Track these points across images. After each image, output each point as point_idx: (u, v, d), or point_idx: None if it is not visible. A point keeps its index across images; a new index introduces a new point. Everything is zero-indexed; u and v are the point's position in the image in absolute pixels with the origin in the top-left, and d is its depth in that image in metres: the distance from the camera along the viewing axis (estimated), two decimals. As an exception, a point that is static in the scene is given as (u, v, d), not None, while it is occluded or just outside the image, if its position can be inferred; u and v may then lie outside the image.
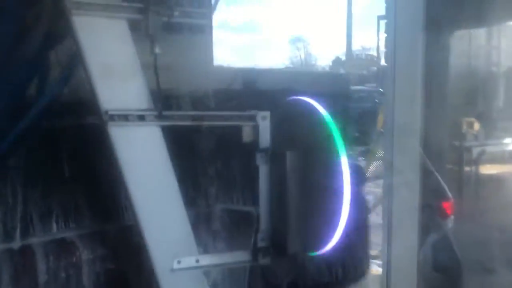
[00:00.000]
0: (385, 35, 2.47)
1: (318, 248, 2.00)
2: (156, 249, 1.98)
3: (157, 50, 1.88)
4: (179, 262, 2.00)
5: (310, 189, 2.01)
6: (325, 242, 1.95)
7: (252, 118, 2.07)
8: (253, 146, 2.10)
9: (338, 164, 1.89)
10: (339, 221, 1.88)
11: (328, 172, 1.94)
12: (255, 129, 2.08)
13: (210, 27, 2.47)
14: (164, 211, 2.03)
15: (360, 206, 2.86)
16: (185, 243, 2.06)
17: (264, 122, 2.08)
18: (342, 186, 1.88)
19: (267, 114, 2.08)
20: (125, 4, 1.86)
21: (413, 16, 2.34)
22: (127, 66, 1.91)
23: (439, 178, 3.54)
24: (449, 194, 3.66)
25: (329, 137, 1.93)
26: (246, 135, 2.09)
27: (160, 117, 1.93)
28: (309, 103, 2.03)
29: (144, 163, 1.97)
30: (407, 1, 2.34)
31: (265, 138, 2.08)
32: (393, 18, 2.35)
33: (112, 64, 1.88)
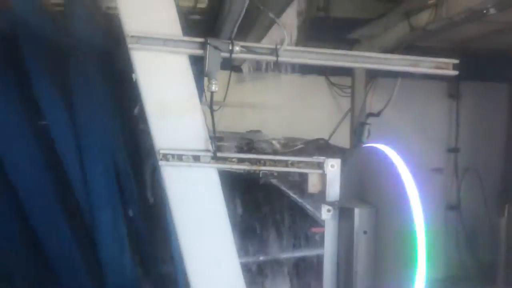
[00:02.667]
0: None
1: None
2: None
3: (214, 87, 1.75)
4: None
5: (381, 251, 1.71)
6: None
7: (320, 166, 1.84)
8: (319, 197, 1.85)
9: (414, 225, 1.56)
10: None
11: (402, 234, 1.62)
12: (323, 178, 1.84)
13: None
14: (215, 261, 1.86)
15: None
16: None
17: (333, 171, 1.83)
18: (417, 251, 1.54)
19: (337, 161, 1.83)
20: (186, 38, 1.77)
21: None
22: (185, 103, 1.81)
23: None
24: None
25: (405, 193, 1.62)
26: (312, 185, 1.85)
27: (215, 158, 1.78)
28: (384, 152, 1.74)
29: (196, 207, 1.82)
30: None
31: (333, 190, 1.82)
32: None
33: (169, 101, 1.79)
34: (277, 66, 2.05)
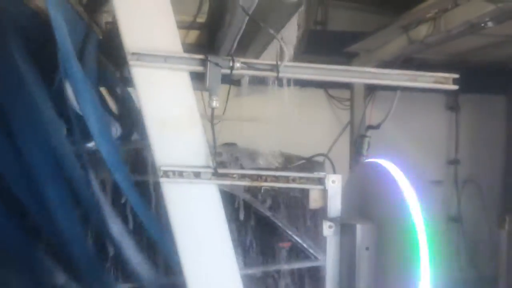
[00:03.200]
0: None
1: None
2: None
3: (215, 103, 1.75)
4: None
5: (383, 267, 1.69)
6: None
7: (321, 181, 1.83)
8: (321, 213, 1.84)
9: (417, 243, 1.56)
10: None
11: (405, 250, 1.61)
12: (324, 194, 1.83)
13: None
14: (217, 276, 1.84)
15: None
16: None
17: (335, 187, 1.82)
18: (420, 271, 1.53)
19: (338, 177, 1.83)
20: (186, 55, 1.77)
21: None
22: (186, 120, 1.80)
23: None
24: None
25: (408, 210, 1.61)
26: (313, 201, 1.84)
27: (216, 174, 1.78)
28: (385, 168, 1.74)
29: (198, 224, 1.81)
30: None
31: (334, 206, 1.81)
32: None
33: (170, 118, 1.79)
34: (278, 81, 2.05)
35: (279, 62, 1.79)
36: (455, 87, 1.89)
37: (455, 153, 6.25)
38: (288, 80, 5.24)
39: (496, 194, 6.19)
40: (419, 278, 1.52)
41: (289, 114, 5.96)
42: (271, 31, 1.90)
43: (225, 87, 4.60)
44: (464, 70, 2.36)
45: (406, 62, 4.94)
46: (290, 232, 2.83)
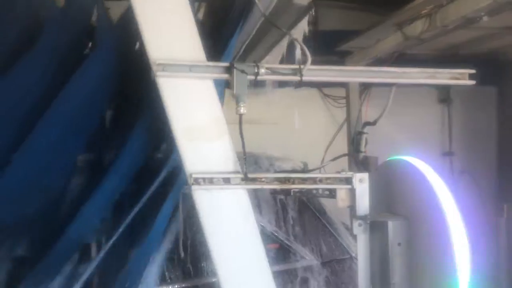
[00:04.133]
0: None
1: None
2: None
3: (242, 110, 1.77)
4: None
5: (416, 264, 1.73)
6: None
7: (348, 181, 1.86)
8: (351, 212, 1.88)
9: (450, 236, 1.60)
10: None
11: (437, 246, 1.65)
12: (352, 193, 1.86)
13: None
14: (251, 281, 1.86)
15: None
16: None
17: (362, 186, 1.86)
18: (453, 263, 1.57)
19: (365, 176, 1.86)
20: (211, 63, 1.80)
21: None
22: (213, 127, 1.82)
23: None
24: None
25: (438, 203, 1.65)
26: (341, 200, 1.88)
27: (246, 179, 1.80)
28: (413, 165, 1.78)
29: (229, 229, 1.83)
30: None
31: (363, 204, 1.85)
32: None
33: (198, 126, 1.81)
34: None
35: (302, 66, 1.82)
36: (472, 82, 1.94)
37: (449, 145, 6.35)
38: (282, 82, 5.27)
39: (491, 184, 6.30)
40: (455, 271, 1.56)
41: (286, 114, 6.02)
42: (291, 35, 1.93)
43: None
44: (455, 63, 2.42)
45: (397, 58, 5.02)
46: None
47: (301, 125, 5.90)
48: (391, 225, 1.74)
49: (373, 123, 5.36)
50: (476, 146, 6.33)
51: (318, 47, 5.25)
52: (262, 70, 1.77)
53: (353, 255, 3.17)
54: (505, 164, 6.29)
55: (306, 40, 4.92)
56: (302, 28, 2.69)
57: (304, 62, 1.84)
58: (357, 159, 5.56)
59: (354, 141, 5.49)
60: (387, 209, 1.90)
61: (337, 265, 3.15)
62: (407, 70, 1.90)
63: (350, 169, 2.03)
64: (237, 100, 1.77)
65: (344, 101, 5.85)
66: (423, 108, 6.29)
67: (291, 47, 3.25)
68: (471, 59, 5.69)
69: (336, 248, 3.23)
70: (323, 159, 5.37)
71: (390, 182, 1.91)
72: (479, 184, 6.14)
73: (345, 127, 5.80)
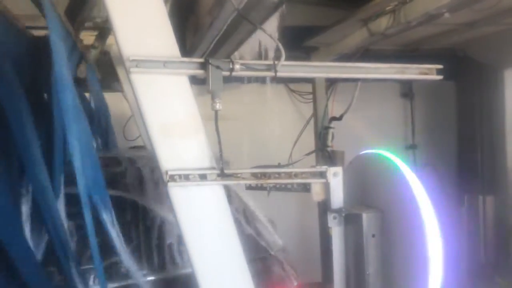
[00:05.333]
0: None
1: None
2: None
3: (218, 106, 1.77)
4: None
5: (390, 255, 1.78)
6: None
7: (323, 175, 1.89)
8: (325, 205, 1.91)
9: (423, 226, 1.65)
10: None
11: (412, 236, 1.70)
12: (326, 187, 1.89)
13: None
14: (227, 276, 1.87)
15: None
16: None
17: (336, 179, 1.89)
18: (427, 252, 1.63)
19: (339, 170, 1.89)
20: (186, 59, 1.78)
21: None
22: (188, 123, 1.81)
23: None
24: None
25: (411, 194, 1.70)
26: (316, 194, 1.90)
27: (222, 175, 1.80)
28: (385, 157, 1.83)
29: (206, 225, 1.83)
30: None
31: (337, 197, 1.88)
32: None
33: (173, 122, 1.79)
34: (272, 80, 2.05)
35: (276, 62, 1.83)
36: (440, 77, 2.00)
37: (412, 139, 6.52)
38: (249, 77, 5.28)
39: (452, 176, 6.51)
40: (428, 260, 1.62)
41: (252, 110, 6.02)
42: (267, 32, 1.94)
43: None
44: (416, 58, 2.49)
45: (363, 54, 5.11)
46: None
47: (267, 121, 5.94)
48: (365, 217, 1.79)
49: (339, 118, 5.47)
50: (437, 139, 6.53)
51: (284, 42, 5.29)
52: (237, 66, 1.77)
53: (272, 253, 3.07)
54: (465, 157, 6.51)
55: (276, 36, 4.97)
56: (274, 24, 2.69)
57: (278, 58, 1.86)
58: (325, 153, 5.64)
59: (321, 136, 5.58)
60: (361, 201, 1.94)
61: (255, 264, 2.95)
62: (378, 66, 1.94)
63: (318, 163, 2.06)
64: (213, 96, 1.77)
65: (310, 96, 5.92)
66: (387, 103, 6.44)
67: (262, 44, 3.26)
68: (432, 54, 5.86)
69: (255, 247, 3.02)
70: (291, 154, 5.44)
71: (364, 175, 1.95)
72: (441, 176, 6.34)
73: (312, 122, 5.87)
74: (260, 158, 3.59)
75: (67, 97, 1.93)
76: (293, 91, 6.17)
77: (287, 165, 1.97)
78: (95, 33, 3.69)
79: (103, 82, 4.38)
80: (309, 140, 5.82)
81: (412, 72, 2.01)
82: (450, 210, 6.31)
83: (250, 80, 5.31)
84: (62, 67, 1.94)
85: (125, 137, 5.11)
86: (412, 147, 6.48)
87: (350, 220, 1.86)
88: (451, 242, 5.57)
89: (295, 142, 5.59)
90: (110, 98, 4.41)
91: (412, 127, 6.51)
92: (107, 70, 4.24)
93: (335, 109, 5.69)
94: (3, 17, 2.07)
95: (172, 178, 1.76)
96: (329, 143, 5.34)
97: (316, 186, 1.90)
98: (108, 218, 2.07)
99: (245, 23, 2.48)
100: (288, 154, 5.30)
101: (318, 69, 1.91)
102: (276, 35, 2.67)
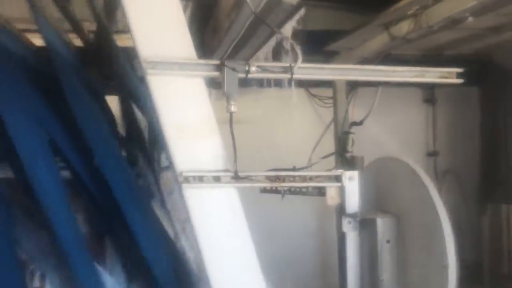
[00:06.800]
0: None
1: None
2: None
3: (233, 108, 1.77)
4: None
5: (405, 262, 1.75)
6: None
7: (338, 179, 1.87)
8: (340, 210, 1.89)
9: (441, 234, 1.62)
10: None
11: (428, 243, 1.67)
12: (341, 191, 1.87)
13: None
14: (240, 278, 1.86)
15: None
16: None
17: (352, 183, 1.87)
18: (444, 261, 1.60)
19: (355, 174, 1.87)
20: (202, 61, 1.79)
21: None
22: (203, 125, 1.82)
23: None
24: None
25: (429, 200, 1.67)
26: (331, 198, 1.89)
27: (236, 178, 1.80)
28: (402, 162, 1.80)
29: (220, 227, 1.83)
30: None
31: (352, 202, 1.86)
32: None
33: (188, 124, 1.80)
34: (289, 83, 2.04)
35: (292, 64, 1.83)
36: (460, 81, 1.97)
37: (434, 145, 6.42)
38: (268, 81, 5.28)
39: (474, 183, 6.39)
40: (446, 269, 1.58)
41: (271, 114, 6.02)
42: (282, 33, 1.93)
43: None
44: (440, 63, 2.45)
45: (384, 58, 5.06)
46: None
47: (287, 125, 5.92)
48: (380, 222, 1.77)
49: (360, 123, 5.42)
50: (459, 145, 6.42)
51: (305, 47, 5.28)
52: (253, 68, 1.78)
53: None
54: (488, 164, 6.38)
55: (294, 39, 4.96)
56: (291, 27, 2.69)
57: (294, 60, 1.85)
58: (344, 159, 5.61)
59: (341, 141, 5.54)
60: (377, 206, 1.92)
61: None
62: (397, 69, 1.92)
63: (337, 168, 2.04)
64: (228, 98, 1.78)
65: (331, 101, 5.88)
66: (408, 108, 6.36)
67: (278, 47, 3.26)
68: (456, 60, 5.76)
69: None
70: (310, 159, 5.40)
71: (380, 180, 1.93)
72: (463, 184, 6.22)
73: (332, 127, 5.83)
74: (279, 162, 3.59)
75: None
76: (313, 95, 6.14)
77: (301, 169, 1.96)
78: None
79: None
80: (328, 145, 5.77)
81: (432, 75, 1.98)
82: (472, 218, 6.20)
83: (270, 84, 5.31)
84: None
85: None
86: (433, 153, 6.38)
87: (365, 225, 1.84)
88: (473, 252, 5.48)
89: (315, 147, 5.55)
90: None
91: (433, 133, 6.41)
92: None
93: (355, 114, 5.64)
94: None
95: (187, 179, 1.78)
96: (349, 148, 5.29)
97: (331, 190, 1.89)
98: None
99: (263, 26, 2.47)
100: (307, 159, 5.27)
101: (335, 72, 1.90)
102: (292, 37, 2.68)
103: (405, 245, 1.76)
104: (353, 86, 5.69)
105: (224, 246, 1.84)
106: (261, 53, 3.37)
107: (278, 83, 5.54)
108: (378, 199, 1.91)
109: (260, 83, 5.32)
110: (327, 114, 5.99)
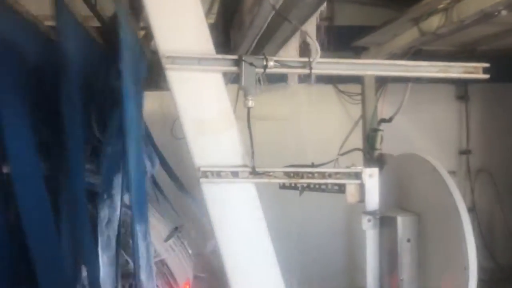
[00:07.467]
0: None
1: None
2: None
3: (250, 103, 1.76)
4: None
5: (426, 261, 1.71)
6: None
7: (358, 176, 1.84)
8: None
9: (463, 234, 1.57)
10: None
11: (449, 243, 1.62)
12: (361, 188, 1.84)
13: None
14: (258, 274, 1.86)
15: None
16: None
17: (372, 181, 1.83)
18: (464, 262, 1.54)
19: (375, 171, 1.84)
20: (220, 56, 1.79)
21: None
22: (222, 120, 1.82)
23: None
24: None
25: (450, 199, 1.62)
26: (351, 195, 1.86)
27: (253, 173, 1.79)
28: (425, 160, 1.75)
29: (237, 222, 1.83)
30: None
31: (372, 199, 1.82)
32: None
33: (206, 119, 1.80)
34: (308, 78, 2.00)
35: (311, 59, 1.80)
36: (486, 76, 1.90)
37: (467, 143, 6.25)
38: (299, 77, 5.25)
39: (509, 184, 6.19)
40: (465, 267, 1.53)
41: (300, 111, 5.99)
42: (303, 29, 1.91)
43: (234, 87, 4.62)
44: (473, 59, 2.37)
45: (414, 54, 4.95)
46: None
47: (315, 122, 5.87)
48: (401, 220, 1.72)
49: (389, 120, 5.33)
50: (493, 144, 6.23)
51: (333, 42, 5.21)
52: (271, 63, 1.76)
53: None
54: (523, 162, 6.18)
55: (321, 35, 4.92)
56: (314, 23, 2.65)
57: (313, 55, 1.83)
58: (372, 156, 5.51)
59: (369, 138, 5.46)
60: (397, 204, 1.88)
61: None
62: (419, 64, 1.87)
63: (365, 166, 2.00)
64: (245, 93, 1.77)
65: (359, 97, 5.80)
66: (440, 105, 6.21)
67: (305, 43, 3.23)
68: (490, 55, 5.59)
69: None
70: (337, 158, 5.34)
71: (401, 177, 1.88)
72: (496, 183, 6.04)
73: (360, 124, 5.75)
74: (306, 159, 3.56)
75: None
76: (341, 91, 6.06)
77: (320, 165, 1.94)
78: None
79: (153, 81, 4.48)
80: (357, 142, 5.69)
81: (456, 70, 1.92)
82: (507, 220, 6.02)
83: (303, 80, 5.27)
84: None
85: (173, 136, 5.21)
86: (466, 152, 6.21)
87: (385, 223, 1.80)
88: (507, 254, 5.30)
89: (342, 144, 5.47)
90: (159, 96, 4.50)
91: (466, 131, 6.24)
92: (156, 69, 4.33)
93: (384, 110, 5.55)
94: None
95: (205, 174, 1.78)
96: (378, 145, 5.21)
97: (351, 187, 1.86)
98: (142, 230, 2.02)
99: (286, 22, 2.45)
100: (334, 156, 5.21)
101: (354, 67, 1.87)
102: (314, 32, 2.64)
103: (426, 245, 1.71)
104: (382, 82, 5.59)
105: (241, 241, 1.84)
106: (291, 49, 3.35)
107: (304, 79, 5.51)
108: (398, 197, 1.87)
109: (285, 79, 5.30)
110: (356, 111, 5.91)
